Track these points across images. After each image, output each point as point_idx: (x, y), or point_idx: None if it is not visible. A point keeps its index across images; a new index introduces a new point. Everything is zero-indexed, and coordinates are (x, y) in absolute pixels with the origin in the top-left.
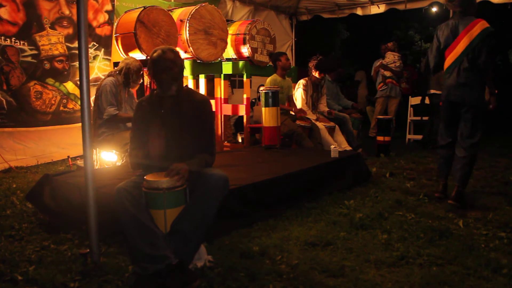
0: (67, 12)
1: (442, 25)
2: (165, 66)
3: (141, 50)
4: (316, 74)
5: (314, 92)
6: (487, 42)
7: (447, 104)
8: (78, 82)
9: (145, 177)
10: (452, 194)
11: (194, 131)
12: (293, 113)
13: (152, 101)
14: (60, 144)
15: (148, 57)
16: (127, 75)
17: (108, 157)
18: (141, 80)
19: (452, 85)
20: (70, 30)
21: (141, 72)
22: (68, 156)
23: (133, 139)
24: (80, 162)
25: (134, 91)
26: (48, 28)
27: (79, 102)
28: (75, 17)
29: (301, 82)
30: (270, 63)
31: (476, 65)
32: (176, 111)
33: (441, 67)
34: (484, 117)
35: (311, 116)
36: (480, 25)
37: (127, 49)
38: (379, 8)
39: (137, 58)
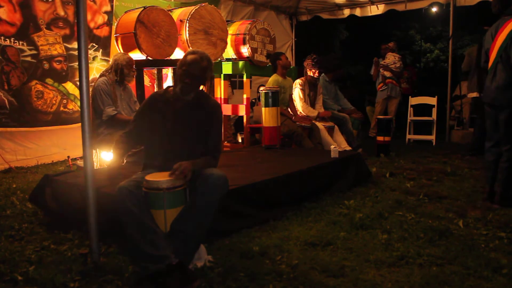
0: (62, 13)
1: (490, 27)
2: (194, 74)
3: (141, 50)
4: (311, 73)
5: (311, 91)
6: None
7: (486, 106)
8: (78, 83)
9: (145, 177)
10: (496, 198)
11: (200, 135)
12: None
13: (165, 97)
14: (60, 145)
15: (149, 57)
16: (117, 71)
17: (108, 157)
18: (135, 73)
19: (488, 86)
20: (67, 31)
21: (132, 64)
22: (68, 157)
23: (131, 126)
24: (80, 163)
25: (133, 88)
26: (44, 29)
27: (78, 103)
28: (70, 18)
29: (298, 82)
30: (270, 64)
31: (509, 65)
32: (187, 113)
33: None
34: None
35: (313, 113)
36: None
37: (127, 49)
38: (378, 8)
39: (136, 58)
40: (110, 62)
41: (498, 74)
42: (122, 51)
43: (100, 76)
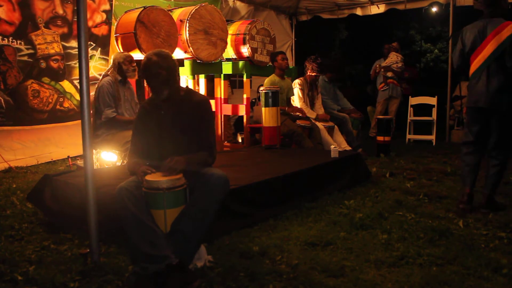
0: (61, 11)
1: (468, 26)
2: (152, 73)
3: (141, 50)
4: (312, 72)
5: (309, 91)
6: None
7: (475, 110)
8: (74, 81)
9: (145, 177)
10: (483, 202)
11: (193, 132)
12: (293, 113)
13: (152, 103)
14: (59, 143)
15: None
16: (117, 69)
17: (108, 157)
18: (136, 69)
19: (482, 90)
20: (65, 29)
21: (130, 59)
22: (68, 156)
23: (132, 144)
24: (80, 162)
25: (133, 86)
26: (43, 27)
27: (74, 101)
28: (69, 17)
29: (297, 81)
30: (270, 63)
31: (506, 69)
32: (175, 112)
33: (464, 71)
34: None
35: (311, 115)
36: (511, 27)
37: (127, 49)
38: (378, 8)
39: (136, 58)
40: (110, 62)
41: (493, 78)
42: (122, 51)
43: (104, 76)
